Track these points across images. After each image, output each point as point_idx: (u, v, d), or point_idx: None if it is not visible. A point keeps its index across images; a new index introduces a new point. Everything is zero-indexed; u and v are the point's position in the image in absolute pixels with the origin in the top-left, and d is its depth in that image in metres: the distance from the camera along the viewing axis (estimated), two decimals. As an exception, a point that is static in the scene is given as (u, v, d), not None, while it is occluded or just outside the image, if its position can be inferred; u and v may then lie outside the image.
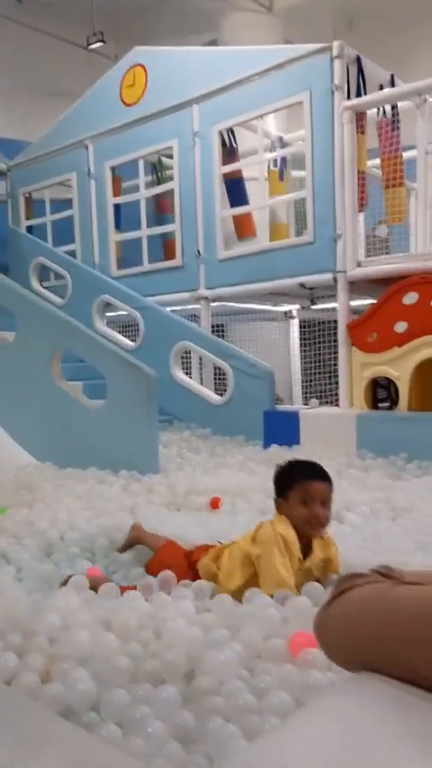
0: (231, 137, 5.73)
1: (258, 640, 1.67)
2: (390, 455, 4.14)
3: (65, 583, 2.19)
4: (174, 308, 6.11)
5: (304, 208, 5.20)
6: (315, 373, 6.98)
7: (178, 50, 6.12)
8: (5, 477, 3.96)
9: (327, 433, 4.58)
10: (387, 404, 5.12)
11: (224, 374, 5.38)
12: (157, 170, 6.73)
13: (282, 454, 4.22)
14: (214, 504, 3.33)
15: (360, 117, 4.77)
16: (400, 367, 4.48)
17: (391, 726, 0.78)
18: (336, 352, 5.03)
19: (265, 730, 1.31)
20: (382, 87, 5.01)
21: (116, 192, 6.57)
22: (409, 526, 2.81)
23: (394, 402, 4.82)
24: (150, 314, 5.94)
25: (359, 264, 4.86)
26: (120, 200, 6.57)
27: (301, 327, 7.25)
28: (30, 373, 4.70)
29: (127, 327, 6.48)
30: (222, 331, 7.09)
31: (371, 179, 5.02)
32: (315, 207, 5.02)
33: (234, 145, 5.76)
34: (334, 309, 5.16)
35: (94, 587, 2.10)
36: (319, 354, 6.79)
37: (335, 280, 4.92)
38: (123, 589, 2.09)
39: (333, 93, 4.79)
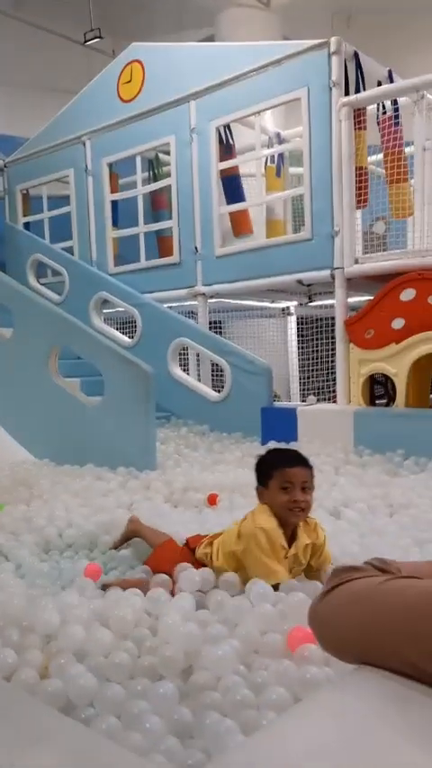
0: (228, 133, 5.73)
1: (256, 636, 1.67)
2: (387, 451, 4.15)
3: (104, 588, 2.17)
4: (171, 305, 6.11)
5: (302, 204, 5.20)
6: (313, 370, 6.98)
7: (175, 46, 6.11)
8: (3, 474, 3.96)
9: (324, 430, 4.59)
10: (384, 400, 5.13)
11: (222, 371, 5.38)
12: (154, 166, 6.71)
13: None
14: (212, 500, 3.33)
15: (360, 113, 4.76)
16: (397, 363, 4.48)
17: (389, 720, 0.79)
18: (333, 349, 5.03)
19: (262, 725, 1.32)
20: (380, 83, 5.00)
21: (113, 189, 6.56)
22: (406, 522, 2.82)
23: (391, 398, 4.82)
24: (148, 311, 5.94)
25: (357, 261, 4.86)
26: (117, 196, 6.56)
27: (298, 324, 7.25)
28: (27, 370, 4.69)
29: (124, 324, 6.48)
30: (220, 328, 7.09)
31: (370, 175, 5.01)
32: (313, 203, 5.02)
33: (231, 142, 5.75)
34: (331, 306, 5.16)
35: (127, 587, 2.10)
36: (317, 351, 6.79)
37: (332, 276, 4.92)
38: (130, 584, 2.11)
39: (331, 89, 4.78)
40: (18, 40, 9.81)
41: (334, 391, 5.16)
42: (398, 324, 4.45)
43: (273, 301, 6.85)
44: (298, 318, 7.23)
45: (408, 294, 4.40)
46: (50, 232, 7.04)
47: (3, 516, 3.11)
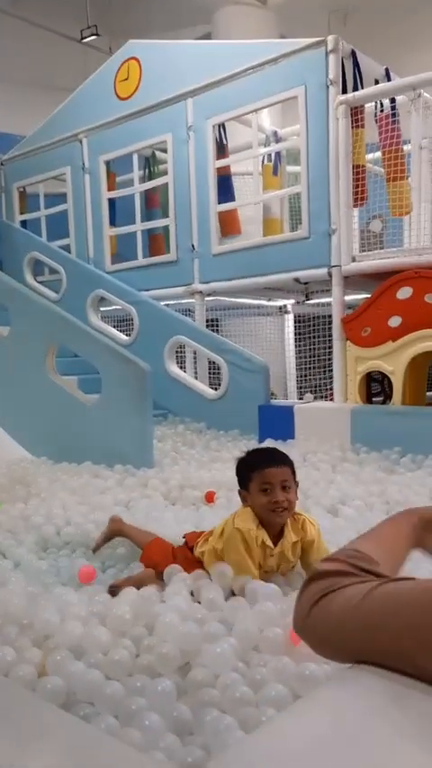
0: (222, 133, 5.71)
1: (254, 632, 1.68)
2: (384, 449, 4.15)
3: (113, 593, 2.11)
4: (168, 303, 6.11)
5: (299, 203, 5.20)
6: (309, 368, 6.99)
7: (172, 44, 6.10)
8: (0, 473, 3.96)
9: (321, 428, 4.59)
10: (381, 398, 5.14)
11: (219, 369, 5.38)
12: (150, 164, 6.70)
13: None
14: (209, 497, 3.33)
15: (357, 111, 4.76)
16: (393, 361, 4.49)
17: (389, 717, 0.79)
18: (330, 347, 5.03)
19: (261, 722, 1.32)
20: (377, 82, 5.01)
21: (110, 187, 6.55)
22: (403, 520, 2.82)
23: (388, 396, 4.83)
24: (145, 308, 5.94)
25: (354, 259, 4.87)
26: (114, 194, 6.55)
27: (295, 322, 7.25)
28: (24, 368, 4.69)
29: (121, 322, 6.47)
30: (217, 326, 7.09)
31: (368, 173, 5.01)
32: (310, 202, 5.02)
33: (224, 141, 5.74)
34: (328, 304, 5.17)
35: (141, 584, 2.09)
36: (314, 349, 6.80)
37: (329, 274, 4.92)
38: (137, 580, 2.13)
39: (328, 87, 4.78)
40: (15, 38, 9.79)
41: (331, 389, 5.16)
42: (395, 322, 4.45)
43: (270, 299, 6.86)
44: (295, 316, 7.23)
45: (404, 292, 4.41)
46: (47, 230, 7.03)
47: (0, 515, 3.11)
